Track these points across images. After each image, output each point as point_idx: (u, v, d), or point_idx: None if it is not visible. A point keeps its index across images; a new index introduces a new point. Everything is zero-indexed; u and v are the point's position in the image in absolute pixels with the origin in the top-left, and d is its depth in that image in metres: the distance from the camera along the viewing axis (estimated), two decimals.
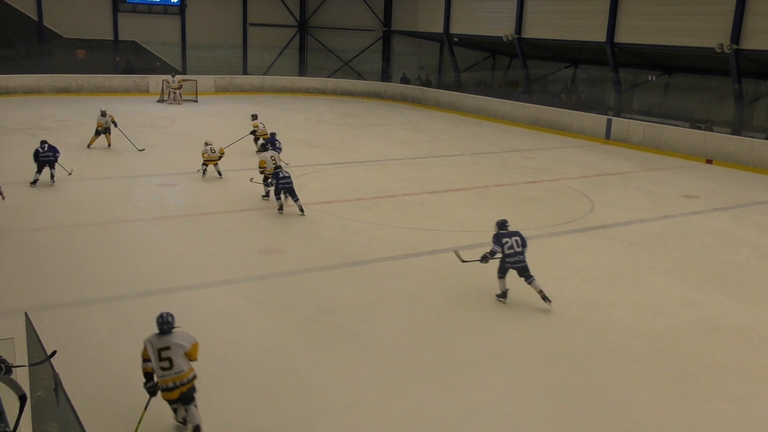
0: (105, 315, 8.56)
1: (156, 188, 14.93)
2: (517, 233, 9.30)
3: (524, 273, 9.22)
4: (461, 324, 8.71)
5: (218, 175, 15.92)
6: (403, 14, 36.24)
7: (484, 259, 9.27)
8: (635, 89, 27.59)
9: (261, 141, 18.09)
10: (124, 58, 33.05)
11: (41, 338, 4.18)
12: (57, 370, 3.92)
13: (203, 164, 16.00)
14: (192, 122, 24.60)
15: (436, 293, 9.65)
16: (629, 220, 13.88)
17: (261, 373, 7.21)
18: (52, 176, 14.66)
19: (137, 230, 12.06)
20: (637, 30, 23.84)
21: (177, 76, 30.17)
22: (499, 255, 9.17)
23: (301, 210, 13.06)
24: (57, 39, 31.84)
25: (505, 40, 28.54)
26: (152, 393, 6.01)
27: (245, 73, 35.84)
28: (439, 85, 34.07)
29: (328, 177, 16.64)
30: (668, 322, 9.04)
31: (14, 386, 4.18)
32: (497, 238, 9.22)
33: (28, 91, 29.09)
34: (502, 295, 9.36)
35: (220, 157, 15.96)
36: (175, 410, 6.20)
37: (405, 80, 36.05)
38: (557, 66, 31.04)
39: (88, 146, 18.70)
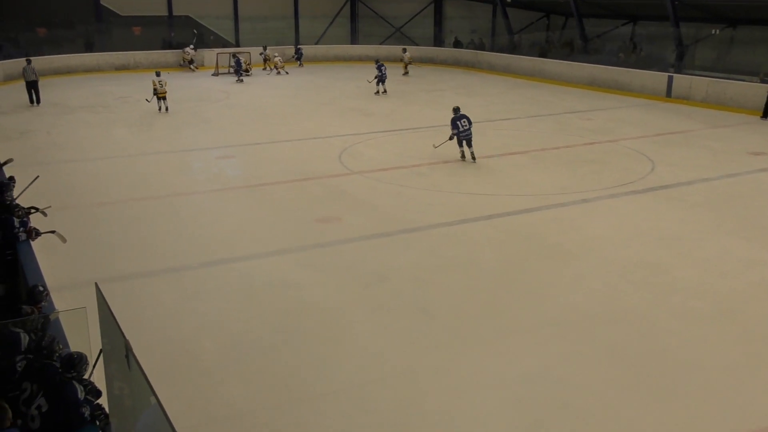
0: (170, 285, 8.82)
1: (214, 161, 15.19)
2: (465, 116, 14.36)
3: (470, 142, 14.46)
4: (519, 289, 8.67)
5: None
6: None
7: (451, 138, 14.46)
8: (697, 44, 26.58)
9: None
10: (180, 33, 33.50)
11: (111, 308, 4.33)
12: (127, 338, 4.07)
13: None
14: (247, 94, 24.89)
15: (494, 258, 9.62)
16: (692, 179, 13.49)
17: (320, 341, 7.33)
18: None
19: (197, 202, 12.32)
20: None
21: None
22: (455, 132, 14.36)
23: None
24: (114, 17, 32.46)
25: None
26: None
27: (297, 43, 35.91)
28: (493, 48, 33.48)
29: (383, 144, 16.65)
30: (733, 283, 8.82)
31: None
32: (453, 122, 14.38)
33: (88, 70, 29.80)
34: (461, 156, 14.65)
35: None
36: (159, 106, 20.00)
37: (457, 44, 35.56)
38: (615, 23, 30.11)
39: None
